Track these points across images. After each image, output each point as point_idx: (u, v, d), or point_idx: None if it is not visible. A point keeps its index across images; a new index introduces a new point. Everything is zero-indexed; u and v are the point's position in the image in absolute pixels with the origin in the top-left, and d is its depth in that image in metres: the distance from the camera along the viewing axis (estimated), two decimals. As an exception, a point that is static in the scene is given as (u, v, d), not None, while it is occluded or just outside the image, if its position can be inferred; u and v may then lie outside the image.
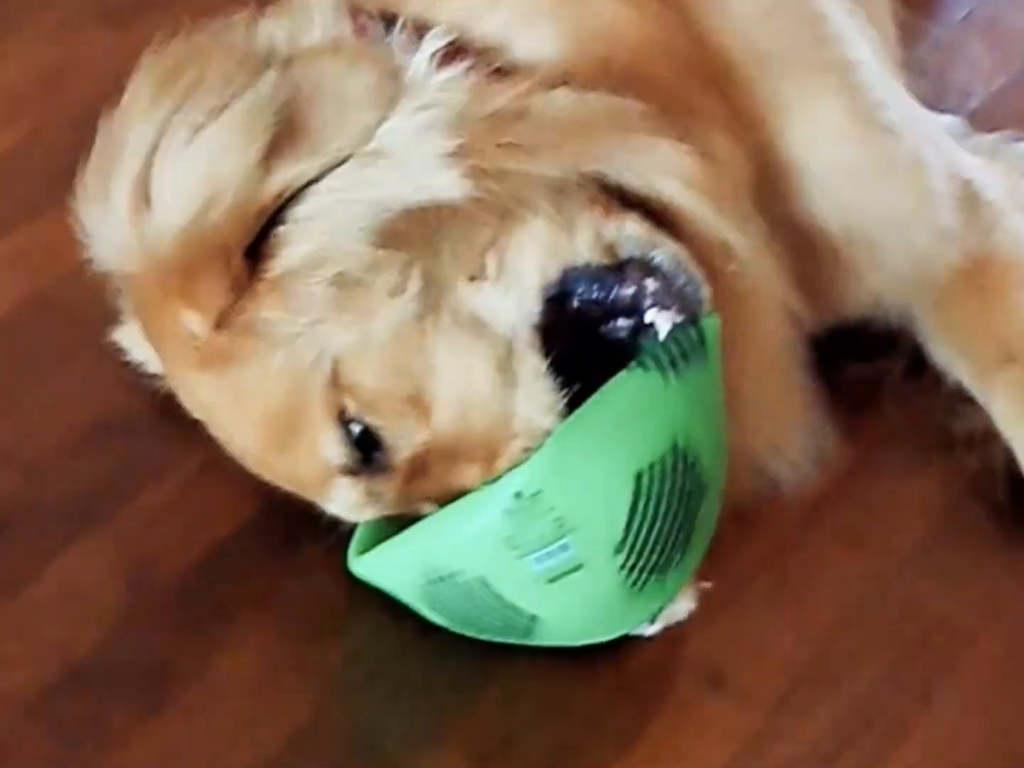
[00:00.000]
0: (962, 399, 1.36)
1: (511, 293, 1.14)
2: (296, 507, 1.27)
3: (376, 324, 1.13)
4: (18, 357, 1.44)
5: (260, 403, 1.16)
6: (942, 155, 1.34)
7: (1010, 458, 1.30)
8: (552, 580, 1.12)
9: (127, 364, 1.37)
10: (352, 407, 1.14)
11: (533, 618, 1.15)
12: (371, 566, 1.22)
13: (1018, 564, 1.29)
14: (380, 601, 1.25)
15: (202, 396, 1.20)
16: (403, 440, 1.15)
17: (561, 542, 1.10)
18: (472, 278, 1.14)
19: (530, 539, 1.11)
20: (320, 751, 1.19)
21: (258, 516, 1.31)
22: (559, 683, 1.21)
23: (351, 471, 1.17)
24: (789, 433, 1.26)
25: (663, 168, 1.15)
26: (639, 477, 1.10)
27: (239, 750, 1.19)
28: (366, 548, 1.22)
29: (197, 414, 1.23)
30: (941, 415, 1.36)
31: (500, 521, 1.11)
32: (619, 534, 1.11)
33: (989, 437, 1.33)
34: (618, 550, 1.11)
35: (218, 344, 1.15)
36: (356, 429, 1.15)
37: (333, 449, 1.16)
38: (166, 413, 1.30)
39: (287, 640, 1.25)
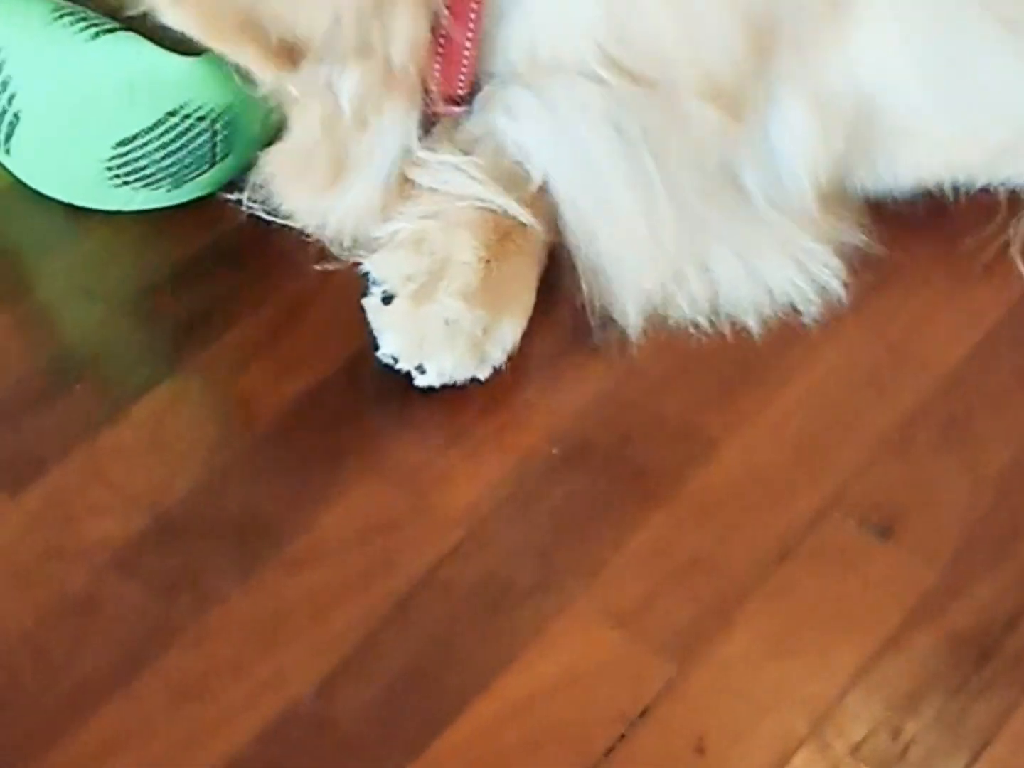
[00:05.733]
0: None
1: None
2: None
3: None
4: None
5: None
6: None
7: None
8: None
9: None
10: None
11: (17, 115, 1.23)
12: None
13: None
14: (498, 454, 1.16)
15: None
16: None
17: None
18: None
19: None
20: (436, 606, 1.08)
21: (352, 361, 1.21)
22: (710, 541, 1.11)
23: None
24: None
25: None
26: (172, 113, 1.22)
27: (347, 608, 1.08)
28: None
29: None
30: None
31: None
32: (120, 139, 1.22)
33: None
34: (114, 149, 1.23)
35: None
36: None
37: None
38: (248, 250, 1.23)
39: (394, 489, 1.15)
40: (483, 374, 1.20)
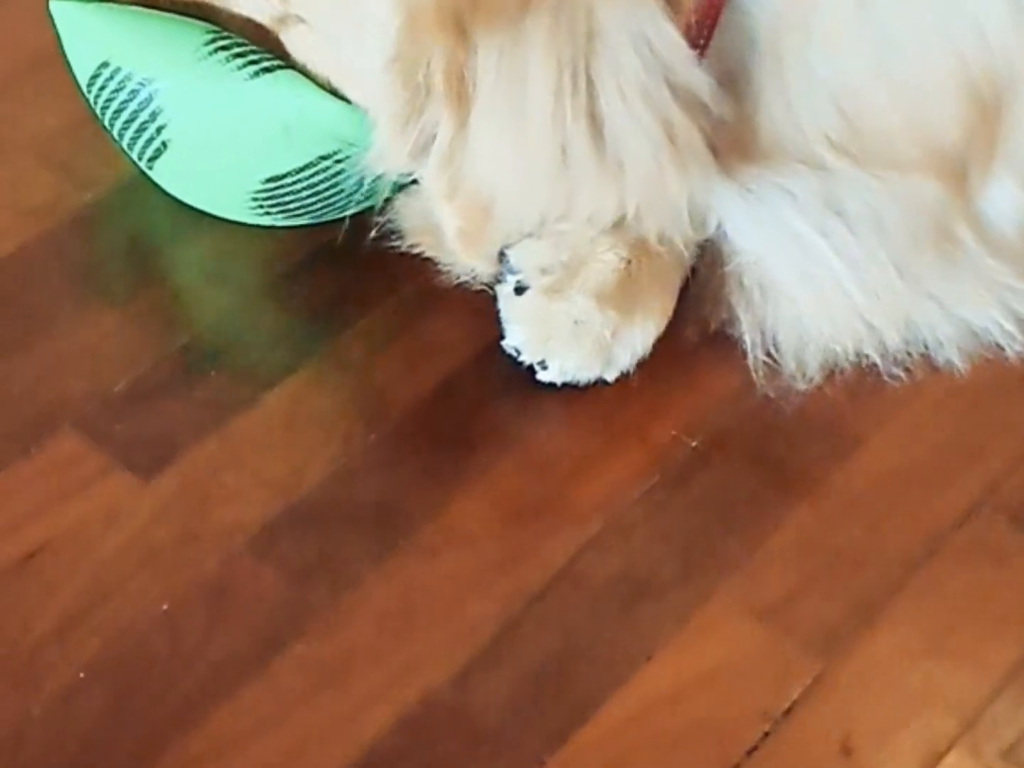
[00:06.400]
0: None
1: None
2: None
3: None
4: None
5: None
6: None
7: None
8: None
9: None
10: None
11: (165, 143, 1.20)
12: (73, 15, 1.21)
13: None
14: (635, 445, 1.14)
15: None
16: None
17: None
18: None
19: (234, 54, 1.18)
20: (574, 597, 1.06)
21: (484, 349, 1.20)
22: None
23: None
24: None
25: None
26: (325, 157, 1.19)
27: (483, 596, 1.07)
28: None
29: None
30: None
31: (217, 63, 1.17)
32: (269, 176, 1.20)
33: None
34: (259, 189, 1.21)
35: None
36: None
37: None
38: (380, 237, 1.21)
39: (529, 479, 1.13)
40: (610, 376, 1.17)
